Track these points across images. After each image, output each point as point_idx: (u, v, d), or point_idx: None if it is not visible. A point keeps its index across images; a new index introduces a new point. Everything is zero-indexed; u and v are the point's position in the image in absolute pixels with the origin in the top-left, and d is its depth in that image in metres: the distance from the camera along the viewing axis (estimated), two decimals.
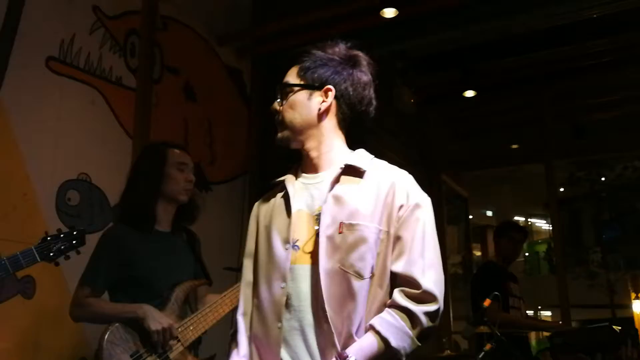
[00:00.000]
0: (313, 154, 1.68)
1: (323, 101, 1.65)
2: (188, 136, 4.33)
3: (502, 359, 3.33)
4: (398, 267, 1.52)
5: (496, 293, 3.12)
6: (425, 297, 1.48)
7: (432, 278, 1.50)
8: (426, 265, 1.51)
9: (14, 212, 3.09)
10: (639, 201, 11.38)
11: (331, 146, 1.68)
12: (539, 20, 4.46)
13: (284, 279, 1.56)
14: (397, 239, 1.54)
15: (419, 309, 1.47)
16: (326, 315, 1.46)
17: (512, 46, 4.90)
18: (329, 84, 1.65)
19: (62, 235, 2.23)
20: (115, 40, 3.85)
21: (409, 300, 1.48)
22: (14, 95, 3.16)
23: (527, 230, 5.25)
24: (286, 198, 1.66)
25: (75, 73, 3.55)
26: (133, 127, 3.87)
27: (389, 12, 3.96)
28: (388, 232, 1.54)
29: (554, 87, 5.78)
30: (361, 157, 1.67)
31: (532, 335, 7.80)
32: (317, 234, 1.55)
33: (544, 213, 14.40)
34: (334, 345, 1.46)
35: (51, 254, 2.17)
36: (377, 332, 1.46)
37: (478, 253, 11.13)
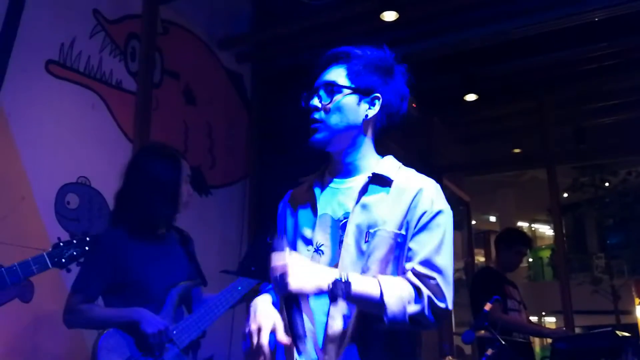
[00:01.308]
0: (347, 159, 1.67)
1: (369, 108, 1.64)
2: (188, 140, 4.32)
3: None
4: (413, 264, 1.52)
5: (497, 297, 3.09)
6: (436, 290, 1.48)
7: (442, 279, 1.50)
8: (441, 266, 1.51)
9: (13, 216, 3.08)
10: None
11: (364, 153, 1.67)
12: (541, 24, 4.45)
13: None
14: (415, 240, 1.54)
15: (427, 293, 1.47)
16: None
17: (514, 50, 4.88)
18: (378, 93, 1.64)
19: (74, 242, 2.22)
20: (116, 44, 3.85)
21: (421, 283, 1.49)
22: (13, 99, 3.16)
23: (530, 238, 5.19)
24: (313, 200, 1.66)
25: (75, 77, 3.55)
26: (133, 131, 3.87)
27: (390, 16, 3.96)
28: (406, 236, 1.55)
29: (556, 91, 5.76)
30: (389, 166, 1.66)
31: (537, 342, 7.76)
32: (340, 241, 1.56)
33: (548, 218, 14.35)
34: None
35: (63, 260, 2.17)
36: (379, 283, 1.46)
37: (481, 259, 11.09)
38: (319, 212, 1.63)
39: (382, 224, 1.54)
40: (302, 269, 1.42)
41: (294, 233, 1.68)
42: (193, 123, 4.39)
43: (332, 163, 1.70)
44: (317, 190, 1.67)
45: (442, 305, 1.47)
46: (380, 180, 1.61)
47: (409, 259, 1.53)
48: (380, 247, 1.53)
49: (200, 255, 2.71)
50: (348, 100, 1.63)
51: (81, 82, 3.58)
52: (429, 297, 1.47)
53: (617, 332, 3.84)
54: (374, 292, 1.45)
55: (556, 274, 13.81)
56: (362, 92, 1.63)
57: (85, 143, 3.55)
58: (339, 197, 1.63)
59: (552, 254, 14.72)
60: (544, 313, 14.02)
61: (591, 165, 10.58)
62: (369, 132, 1.67)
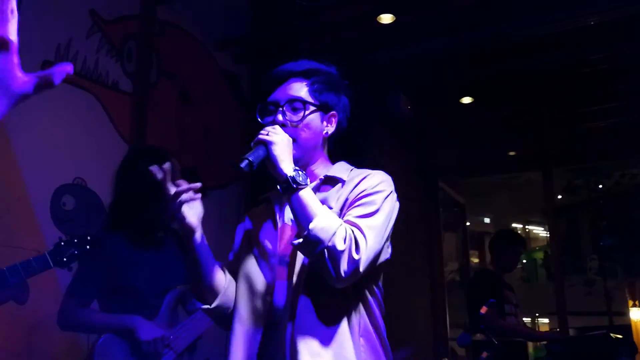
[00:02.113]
0: (302, 169, 1.67)
1: (327, 125, 1.69)
2: (184, 141, 4.31)
3: None
4: (348, 216, 1.52)
5: (492, 300, 3.10)
6: (357, 242, 1.45)
7: (367, 244, 1.46)
8: (366, 233, 1.48)
9: (8, 217, 3.07)
10: (636, 209, 11.36)
11: (319, 163, 1.71)
12: (537, 27, 4.47)
13: (269, 293, 1.58)
14: (350, 210, 1.54)
15: (352, 238, 1.44)
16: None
17: (509, 53, 4.90)
18: (334, 110, 1.70)
19: (75, 241, 2.22)
20: (112, 45, 3.84)
21: (353, 229, 1.47)
22: None
23: (524, 239, 5.21)
24: (272, 212, 1.68)
25: (71, 77, 3.52)
26: (129, 132, 3.86)
27: (386, 18, 3.96)
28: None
29: (551, 94, 5.78)
30: (340, 169, 1.70)
31: (530, 344, 7.78)
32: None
33: (542, 220, 14.38)
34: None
35: (64, 259, 2.16)
36: (321, 211, 1.46)
37: (475, 260, 11.11)
38: (279, 225, 1.65)
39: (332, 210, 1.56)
40: (287, 145, 1.52)
41: (254, 248, 1.68)
42: (189, 124, 4.38)
43: None
44: (275, 204, 1.70)
45: (356, 257, 1.42)
46: (331, 182, 1.65)
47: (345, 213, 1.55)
48: None
49: None
50: (313, 117, 1.66)
51: (77, 82, 3.57)
52: (351, 240, 1.43)
53: (611, 334, 3.86)
54: (317, 207, 1.46)
55: (550, 276, 13.86)
56: (324, 109, 1.67)
57: (81, 144, 3.54)
58: None
59: (545, 256, 14.74)
60: (537, 314, 14.06)
61: (585, 168, 10.60)
62: (324, 147, 1.73)
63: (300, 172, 1.49)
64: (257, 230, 1.70)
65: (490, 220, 14.28)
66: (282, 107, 1.65)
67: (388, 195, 1.58)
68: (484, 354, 3.12)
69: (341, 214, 1.55)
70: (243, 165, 1.47)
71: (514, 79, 5.42)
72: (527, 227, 15.93)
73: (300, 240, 1.45)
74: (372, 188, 1.57)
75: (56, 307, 2.49)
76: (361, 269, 1.43)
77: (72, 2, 3.59)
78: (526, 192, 10.99)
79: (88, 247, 2.23)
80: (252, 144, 1.53)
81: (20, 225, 3.12)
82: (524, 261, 15.21)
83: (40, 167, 3.28)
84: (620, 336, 3.93)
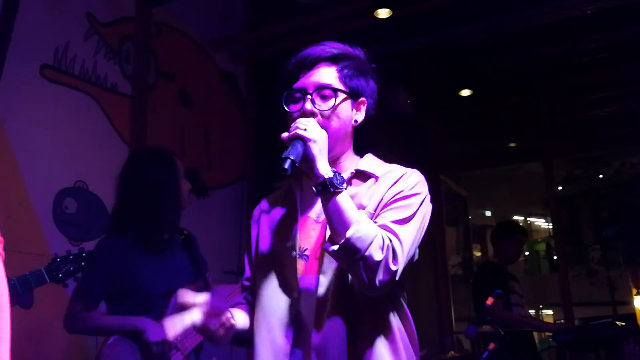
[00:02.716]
0: (331, 162, 1.55)
1: (357, 113, 1.59)
2: (184, 142, 4.31)
3: (507, 357, 3.31)
4: (381, 220, 1.43)
5: (499, 291, 3.10)
6: (394, 251, 1.37)
7: (399, 245, 1.38)
8: (402, 237, 1.40)
9: (11, 222, 3.06)
10: (637, 197, 11.37)
11: (347, 154, 1.62)
12: (534, 17, 4.46)
13: (293, 289, 1.49)
14: (384, 212, 1.46)
15: (389, 245, 1.36)
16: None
17: (507, 44, 4.90)
18: (364, 96, 1.60)
19: (71, 257, 2.22)
20: (110, 47, 3.84)
21: (391, 237, 1.38)
22: (8, 104, 3.14)
23: (526, 230, 5.22)
24: (293, 203, 1.60)
25: (70, 80, 3.53)
26: (129, 134, 3.85)
27: (383, 13, 3.95)
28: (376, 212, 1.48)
29: (550, 83, 5.77)
30: (371, 163, 1.60)
31: (535, 335, 7.79)
32: (323, 241, 1.48)
33: (543, 212, 14.40)
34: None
35: (60, 275, 2.18)
36: (358, 217, 1.38)
37: (478, 254, 11.11)
38: (300, 216, 1.56)
39: (365, 209, 1.48)
40: (325, 143, 1.42)
41: (272, 240, 1.60)
42: (189, 124, 4.38)
43: None
44: (297, 192, 1.60)
45: (393, 267, 1.35)
46: (362, 176, 1.56)
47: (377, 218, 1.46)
48: None
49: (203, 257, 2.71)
50: (344, 105, 1.55)
51: (76, 85, 3.57)
52: (389, 250, 1.35)
53: (617, 322, 3.86)
54: (355, 214, 1.38)
55: (553, 267, 13.87)
56: (354, 96, 1.58)
57: (81, 147, 3.53)
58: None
59: (547, 247, 14.76)
60: (541, 306, 14.07)
61: (585, 158, 10.60)
62: (352, 136, 1.63)
63: (337, 175, 1.39)
64: (276, 222, 1.61)
65: (492, 214, 14.29)
66: (311, 94, 1.53)
67: (425, 199, 1.50)
68: (491, 345, 3.12)
69: (374, 213, 1.47)
70: (287, 166, 1.34)
71: (512, 69, 5.43)
72: (528, 219, 15.95)
73: (336, 247, 1.35)
74: (410, 190, 1.48)
75: (61, 310, 2.48)
76: (397, 277, 1.37)
77: (69, 6, 3.58)
78: (526, 184, 11.00)
79: (83, 263, 2.23)
80: (286, 137, 1.41)
81: (23, 229, 3.12)
82: (527, 253, 15.23)
83: (41, 171, 3.28)
84: (625, 323, 3.94)
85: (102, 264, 2.38)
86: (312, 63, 1.57)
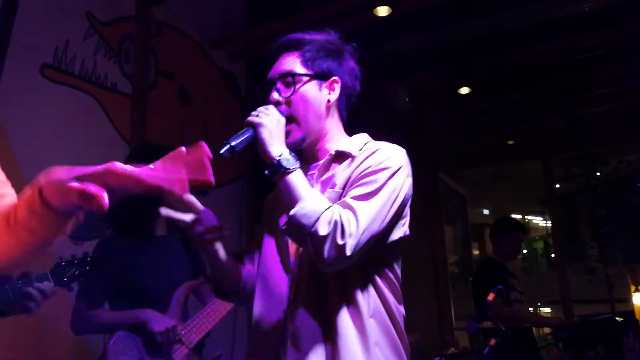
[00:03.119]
0: (316, 147, 1.62)
1: (329, 93, 1.61)
2: (184, 140, 4.30)
3: (508, 353, 3.32)
4: (347, 196, 1.44)
5: (499, 287, 3.11)
6: (343, 226, 1.36)
7: (357, 227, 1.37)
8: (358, 213, 1.39)
9: None
10: (634, 195, 11.39)
11: (332, 136, 1.63)
12: (531, 15, 4.48)
13: (287, 271, 1.55)
14: (353, 183, 1.47)
15: (337, 221, 1.36)
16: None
17: (505, 42, 4.91)
18: (335, 75, 1.61)
19: (76, 261, 2.23)
20: (110, 46, 3.84)
21: (343, 212, 1.38)
22: (9, 104, 3.13)
23: (524, 226, 5.24)
24: None
25: (70, 80, 3.53)
26: (129, 133, 3.86)
27: (382, 11, 3.96)
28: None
29: (548, 81, 5.79)
30: (355, 142, 1.61)
31: (534, 331, 7.81)
32: None
33: (541, 210, 14.40)
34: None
35: (65, 279, 2.18)
36: (307, 194, 1.40)
37: (476, 252, 11.12)
38: None
39: (334, 186, 1.51)
40: (277, 126, 1.48)
41: (274, 224, 1.63)
42: (188, 123, 4.39)
43: (303, 152, 1.63)
44: None
45: (340, 242, 1.34)
46: (342, 157, 1.57)
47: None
48: None
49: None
50: (309, 87, 1.58)
51: (76, 85, 3.57)
52: (336, 225, 1.35)
53: (617, 318, 3.88)
54: (304, 191, 1.40)
55: (550, 265, 13.88)
56: (321, 77, 1.60)
57: (82, 146, 3.52)
58: (311, 183, 1.56)
59: (545, 245, 14.76)
60: (539, 304, 14.08)
61: (582, 156, 10.62)
62: (335, 116, 1.64)
63: (289, 156, 1.43)
64: (278, 208, 1.64)
65: (490, 212, 14.29)
66: (275, 84, 1.59)
67: (396, 172, 1.48)
68: (492, 341, 3.14)
69: (342, 192, 1.48)
70: (223, 151, 1.43)
71: (510, 67, 5.44)
72: (526, 217, 15.94)
73: (284, 225, 1.41)
74: (378, 165, 1.47)
75: (65, 311, 2.49)
76: (348, 253, 1.34)
77: (68, 5, 3.58)
78: (524, 182, 11.00)
79: (88, 267, 2.24)
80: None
81: None
82: (525, 251, 15.25)
83: (41, 170, 3.26)
84: (624, 319, 3.95)
85: (104, 263, 2.39)
86: (277, 53, 1.63)
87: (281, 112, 1.55)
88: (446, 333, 5.90)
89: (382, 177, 1.45)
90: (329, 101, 1.60)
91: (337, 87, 1.62)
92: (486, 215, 14.20)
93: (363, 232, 1.37)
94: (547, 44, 5.01)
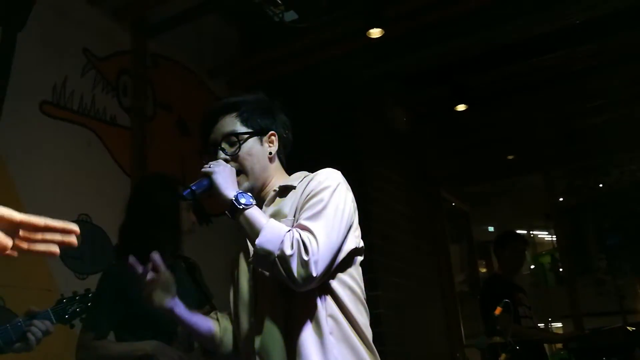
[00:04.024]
0: (262, 193, 1.77)
1: (270, 145, 1.78)
2: (185, 171, 4.33)
3: None
4: (299, 220, 1.56)
5: (506, 300, 3.09)
6: (305, 244, 1.47)
7: (313, 240, 1.48)
8: (314, 230, 1.50)
9: (16, 258, 3.06)
10: (638, 204, 11.37)
11: (275, 179, 1.79)
12: (524, 29, 4.52)
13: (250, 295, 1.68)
14: (301, 209, 1.59)
15: (299, 241, 1.47)
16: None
17: (498, 57, 4.95)
18: (272, 130, 1.79)
19: (77, 298, 2.24)
20: (107, 81, 3.88)
21: (302, 233, 1.49)
22: (10, 142, 3.17)
23: (526, 238, 5.23)
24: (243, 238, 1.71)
25: (69, 115, 3.57)
26: (130, 165, 3.88)
27: (375, 33, 4.00)
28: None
29: (543, 94, 5.81)
30: (296, 177, 1.77)
31: (547, 348, 7.74)
32: None
33: (546, 224, 14.34)
34: None
35: (66, 316, 2.19)
36: (266, 224, 1.52)
37: (483, 270, 11.07)
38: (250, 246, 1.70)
39: (285, 216, 1.63)
40: (229, 173, 1.63)
41: (238, 274, 1.78)
42: (189, 153, 4.41)
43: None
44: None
45: (305, 257, 1.44)
46: (286, 191, 1.72)
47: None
48: None
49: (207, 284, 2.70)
50: (251, 144, 1.75)
51: (76, 120, 3.61)
52: (299, 243, 1.46)
53: (628, 327, 3.84)
54: (263, 222, 1.52)
55: (559, 279, 13.78)
56: (260, 133, 1.77)
57: (83, 180, 3.56)
58: None
59: (552, 259, 14.67)
60: (550, 319, 13.95)
61: (583, 168, 10.63)
62: (276, 163, 1.82)
63: (244, 194, 1.57)
64: (239, 252, 1.80)
65: (495, 229, 14.24)
66: (220, 145, 1.75)
67: (335, 189, 1.61)
68: (502, 356, 3.11)
69: (294, 220, 1.60)
70: (185, 193, 1.63)
71: (505, 82, 5.47)
72: (531, 232, 15.88)
73: (251, 257, 1.56)
74: (318, 186, 1.61)
75: (68, 342, 2.48)
76: (315, 270, 1.45)
77: (65, 42, 3.63)
78: (527, 197, 10.98)
79: (89, 304, 2.25)
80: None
81: (28, 265, 3.12)
82: (532, 267, 15.16)
83: (44, 206, 3.28)
84: (636, 329, 3.91)
85: (110, 293, 2.39)
86: (216, 117, 1.79)
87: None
88: (456, 351, 5.85)
89: (325, 195, 1.59)
90: (270, 153, 1.78)
91: (275, 140, 1.80)
92: (491, 232, 14.15)
93: (324, 248, 1.49)
94: (541, 57, 5.04)
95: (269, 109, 1.83)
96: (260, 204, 1.71)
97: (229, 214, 1.58)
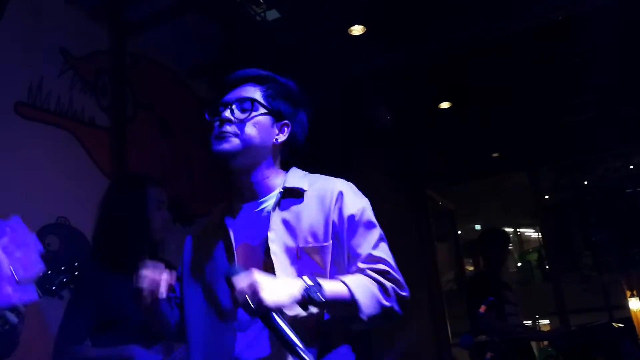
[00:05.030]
0: (253, 179, 1.62)
1: (279, 133, 1.65)
2: (166, 171, 4.27)
3: None
4: (360, 263, 1.51)
5: (491, 298, 3.08)
6: (395, 281, 1.50)
7: (394, 272, 1.52)
8: (387, 258, 1.53)
9: None
10: (623, 201, 11.44)
11: (271, 173, 1.65)
12: (506, 27, 4.50)
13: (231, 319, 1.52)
14: (354, 242, 1.53)
15: (391, 285, 1.49)
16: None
17: (481, 55, 4.93)
18: (288, 120, 1.66)
19: (62, 268, 2.14)
20: (85, 81, 3.81)
21: (382, 278, 1.50)
22: None
23: (507, 233, 5.23)
24: (225, 233, 1.59)
25: (46, 117, 3.49)
26: (110, 167, 3.81)
27: (357, 30, 3.97)
28: (337, 243, 1.52)
29: (527, 91, 5.80)
30: (296, 177, 1.65)
31: (534, 345, 7.76)
32: (272, 266, 1.48)
33: (533, 222, 14.41)
34: None
35: (53, 288, 2.07)
36: (345, 283, 1.42)
37: (471, 268, 11.10)
38: (236, 244, 1.56)
39: (308, 236, 1.50)
40: (272, 282, 1.32)
41: (210, 273, 1.60)
42: (170, 154, 4.35)
43: (239, 188, 1.65)
44: (228, 222, 1.61)
45: (404, 294, 1.49)
46: (292, 193, 1.59)
47: (353, 262, 1.51)
48: (313, 260, 1.49)
49: None
50: (263, 119, 1.62)
51: (52, 121, 3.53)
52: (393, 289, 1.48)
53: (613, 324, 3.84)
54: (344, 292, 1.41)
55: (546, 276, 13.85)
56: (276, 115, 1.64)
57: (61, 182, 3.48)
58: (253, 222, 1.58)
59: (539, 257, 14.73)
60: (537, 316, 14.02)
61: (568, 166, 10.69)
62: (276, 156, 1.68)
63: (310, 290, 1.35)
64: (211, 256, 1.62)
65: (482, 227, 14.29)
66: (232, 104, 1.62)
67: (368, 206, 1.62)
68: (488, 355, 3.09)
69: (331, 240, 1.51)
70: None
71: (488, 79, 5.45)
72: (518, 230, 15.96)
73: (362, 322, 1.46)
74: (359, 209, 1.57)
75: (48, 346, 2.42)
76: (406, 292, 1.52)
77: (41, 42, 3.56)
78: (514, 195, 11.02)
79: (77, 273, 2.16)
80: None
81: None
82: (519, 264, 15.23)
83: (21, 209, 3.19)
84: (622, 325, 3.91)
85: (85, 296, 2.33)
86: (239, 82, 1.68)
87: (229, 134, 1.58)
88: (443, 350, 5.83)
89: (370, 215, 1.58)
90: (276, 140, 1.65)
91: (287, 131, 1.67)
92: (478, 230, 14.19)
93: (395, 266, 1.54)
94: (524, 54, 5.03)
95: (294, 98, 1.71)
96: (253, 197, 1.62)
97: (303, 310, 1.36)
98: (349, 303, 1.40)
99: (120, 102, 4.00)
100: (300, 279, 1.37)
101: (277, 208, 1.56)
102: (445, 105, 5.34)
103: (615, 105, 6.04)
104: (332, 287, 1.39)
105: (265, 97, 1.64)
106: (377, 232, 1.55)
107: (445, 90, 5.26)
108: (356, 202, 1.56)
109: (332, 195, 1.54)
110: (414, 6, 4.07)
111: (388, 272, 1.49)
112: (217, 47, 4.95)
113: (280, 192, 1.58)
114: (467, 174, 7.48)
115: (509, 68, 5.24)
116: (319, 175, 1.66)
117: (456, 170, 7.21)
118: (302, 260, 1.48)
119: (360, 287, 1.43)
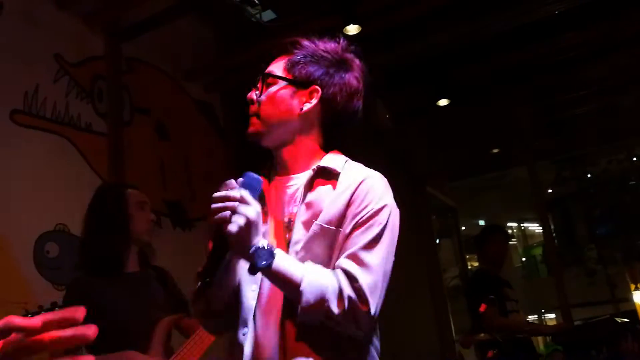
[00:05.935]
0: (286, 155, 1.56)
1: (306, 101, 1.53)
2: (165, 175, 4.27)
3: None
4: (341, 259, 1.39)
5: (491, 296, 3.06)
6: (359, 292, 1.33)
7: (368, 281, 1.35)
8: (370, 264, 1.37)
9: None
10: (627, 193, 11.41)
11: (305, 149, 1.56)
12: (503, 22, 4.49)
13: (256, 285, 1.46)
14: (352, 235, 1.41)
15: (349, 293, 1.32)
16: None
17: (478, 51, 4.91)
18: (316, 85, 1.53)
19: (56, 309, 2.16)
20: (81, 87, 3.81)
21: (347, 282, 1.34)
22: None
23: (506, 230, 5.20)
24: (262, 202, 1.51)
25: (42, 124, 3.50)
26: (107, 172, 3.81)
27: (352, 29, 3.95)
28: (343, 232, 1.43)
29: (526, 86, 5.78)
30: (335, 159, 1.54)
31: (540, 340, 7.73)
32: (287, 244, 1.45)
33: (536, 216, 14.38)
34: None
35: None
36: (305, 269, 1.34)
37: (474, 264, 11.08)
38: (269, 217, 1.52)
39: (326, 218, 1.43)
40: (247, 229, 1.30)
41: None
42: (168, 157, 4.35)
43: (275, 160, 1.59)
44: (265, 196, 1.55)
45: (363, 309, 1.32)
46: (326, 174, 1.50)
47: (341, 254, 1.40)
48: (320, 243, 1.42)
49: (186, 289, 2.65)
50: (281, 91, 1.53)
51: (49, 128, 3.54)
52: (349, 298, 1.32)
53: (616, 318, 3.82)
54: (296, 276, 1.33)
55: (550, 271, 13.83)
56: (298, 84, 1.53)
57: (59, 189, 3.49)
58: (282, 196, 1.52)
59: (544, 251, 14.70)
60: (543, 310, 13.99)
61: (570, 159, 10.66)
62: (310, 128, 1.56)
63: (259, 250, 1.31)
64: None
65: (485, 223, 14.25)
66: (257, 83, 1.57)
67: (393, 208, 1.48)
68: (490, 353, 3.08)
69: (341, 230, 1.42)
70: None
71: (487, 75, 5.43)
72: (522, 225, 15.91)
73: (299, 316, 1.35)
74: (377, 203, 1.44)
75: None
76: (373, 311, 1.34)
77: (36, 49, 3.56)
78: (516, 190, 10.99)
79: None
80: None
81: (4, 278, 3.05)
82: (523, 259, 15.19)
83: (20, 216, 3.23)
84: (626, 320, 3.89)
85: (77, 303, 2.32)
86: (277, 53, 1.62)
87: (252, 116, 1.54)
88: (446, 348, 5.82)
89: (383, 217, 1.43)
90: (301, 109, 1.53)
91: (316, 97, 1.53)
92: (482, 226, 14.15)
93: (381, 282, 1.38)
94: (522, 49, 5.01)
95: (330, 60, 1.56)
96: (285, 172, 1.55)
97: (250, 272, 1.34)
98: (294, 289, 1.33)
99: (116, 107, 4.00)
100: (264, 243, 1.33)
101: (307, 186, 1.49)
102: (443, 102, 5.32)
103: (614, 98, 6.02)
104: (288, 265, 1.33)
105: (288, 67, 1.55)
106: (378, 235, 1.40)
107: (443, 87, 5.23)
108: (374, 199, 1.44)
109: (355, 184, 1.46)
110: (410, 3, 4.05)
111: (356, 280, 1.33)
112: (212, 49, 4.95)
113: (313, 170, 1.50)
114: (467, 171, 7.46)
115: (507, 63, 5.23)
116: (360, 164, 1.57)
117: (456, 167, 7.19)
118: (318, 241, 1.42)
119: (316, 280, 1.33)
